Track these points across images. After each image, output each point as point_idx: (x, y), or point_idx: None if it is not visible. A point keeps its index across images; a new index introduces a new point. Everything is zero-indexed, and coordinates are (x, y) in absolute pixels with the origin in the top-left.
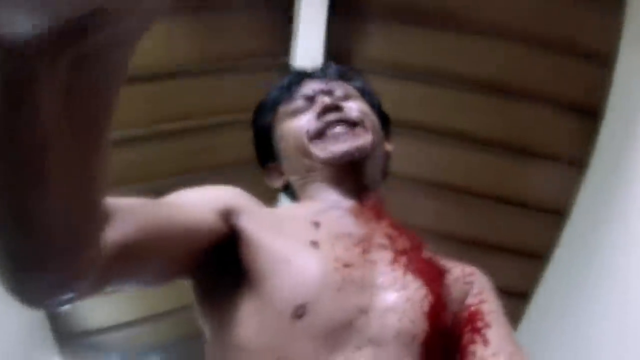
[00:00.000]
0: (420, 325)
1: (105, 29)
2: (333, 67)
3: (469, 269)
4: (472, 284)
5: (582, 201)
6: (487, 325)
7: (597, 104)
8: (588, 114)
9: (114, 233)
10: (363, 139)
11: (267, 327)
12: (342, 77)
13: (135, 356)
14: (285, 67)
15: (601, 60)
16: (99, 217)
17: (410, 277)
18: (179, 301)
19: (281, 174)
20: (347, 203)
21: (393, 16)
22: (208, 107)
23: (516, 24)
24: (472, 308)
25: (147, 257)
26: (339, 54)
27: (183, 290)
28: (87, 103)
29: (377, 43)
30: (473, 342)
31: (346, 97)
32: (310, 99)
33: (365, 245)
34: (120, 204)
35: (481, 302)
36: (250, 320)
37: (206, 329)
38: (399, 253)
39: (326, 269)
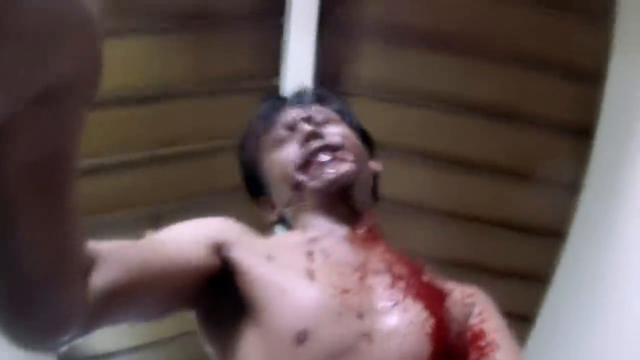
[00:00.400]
0: (423, 348)
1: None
2: (310, 92)
3: (469, 289)
4: (474, 305)
5: (580, 221)
6: (491, 344)
7: (590, 123)
8: (581, 133)
9: (100, 277)
10: (347, 165)
11: (271, 355)
12: (320, 100)
13: None
14: (275, 89)
15: (592, 79)
16: (78, 263)
17: (410, 301)
18: (183, 327)
19: (273, 207)
20: (341, 229)
21: (383, 37)
22: (201, 130)
23: (507, 45)
24: (475, 328)
25: (135, 297)
26: (329, 75)
27: (187, 316)
28: (47, 166)
29: (367, 64)
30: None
31: (326, 122)
32: (291, 127)
33: (362, 271)
34: (104, 248)
35: (483, 321)
36: (253, 347)
37: (213, 355)
38: (397, 277)
39: (324, 295)
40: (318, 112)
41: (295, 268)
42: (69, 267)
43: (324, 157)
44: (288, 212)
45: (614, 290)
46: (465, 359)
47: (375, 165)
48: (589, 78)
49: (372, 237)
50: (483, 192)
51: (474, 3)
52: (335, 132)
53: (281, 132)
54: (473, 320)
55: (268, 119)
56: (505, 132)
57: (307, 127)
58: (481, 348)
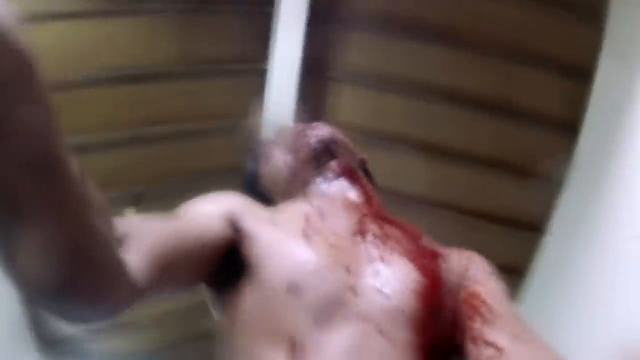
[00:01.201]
0: (409, 303)
1: None
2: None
3: (466, 253)
4: (469, 267)
5: (561, 216)
6: (486, 305)
7: (577, 119)
8: (568, 128)
9: (133, 250)
10: (322, 130)
11: (264, 304)
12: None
13: None
14: (263, 73)
15: (581, 75)
16: (104, 239)
17: (401, 260)
18: (164, 307)
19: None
20: (339, 194)
21: (372, 26)
22: (187, 111)
23: (497, 38)
24: (470, 289)
25: (166, 268)
26: (317, 62)
27: (167, 297)
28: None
29: (355, 52)
30: (473, 322)
31: (313, 125)
32: (283, 136)
33: (356, 231)
34: (133, 224)
35: (477, 283)
36: (250, 298)
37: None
38: (391, 238)
39: (315, 252)
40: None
41: (293, 229)
42: (97, 247)
43: (307, 140)
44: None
45: (593, 287)
46: (460, 319)
47: (358, 152)
48: (578, 74)
49: (369, 202)
50: (467, 183)
51: None
52: (318, 126)
53: (272, 147)
54: (467, 282)
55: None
56: (491, 124)
57: (292, 134)
58: (475, 307)
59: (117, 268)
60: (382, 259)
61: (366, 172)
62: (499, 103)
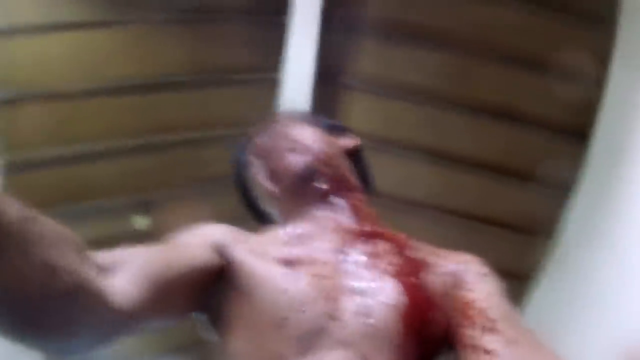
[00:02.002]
0: (392, 326)
1: None
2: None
3: (460, 256)
4: (463, 271)
5: (571, 222)
6: (480, 312)
7: (585, 125)
8: (576, 135)
9: (121, 281)
10: (306, 159)
11: (251, 335)
12: (282, 117)
13: None
14: (276, 82)
15: (592, 82)
16: (59, 273)
17: (385, 280)
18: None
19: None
20: (323, 217)
21: (385, 34)
22: (197, 120)
23: (507, 45)
24: (463, 298)
25: (156, 298)
26: (330, 70)
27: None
28: None
29: (368, 60)
30: (467, 330)
31: (288, 127)
32: (260, 152)
33: (339, 255)
34: (121, 255)
35: (471, 288)
36: (236, 328)
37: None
38: (376, 256)
39: (299, 282)
40: (279, 124)
41: (278, 259)
42: (63, 285)
43: (286, 160)
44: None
45: (603, 292)
46: (456, 328)
47: (345, 142)
48: (587, 81)
49: (358, 217)
50: (477, 190)
51: (475, 3)
52: (294, 133)
53: (251, 157)
54: (462, 291)
55: (243, 154)
56: (501, 131)
57: (267, 144)
58: (469, 316)
59: (89, 298)
60: (365, 282)
61: (358, 161)
62: (508, 110)
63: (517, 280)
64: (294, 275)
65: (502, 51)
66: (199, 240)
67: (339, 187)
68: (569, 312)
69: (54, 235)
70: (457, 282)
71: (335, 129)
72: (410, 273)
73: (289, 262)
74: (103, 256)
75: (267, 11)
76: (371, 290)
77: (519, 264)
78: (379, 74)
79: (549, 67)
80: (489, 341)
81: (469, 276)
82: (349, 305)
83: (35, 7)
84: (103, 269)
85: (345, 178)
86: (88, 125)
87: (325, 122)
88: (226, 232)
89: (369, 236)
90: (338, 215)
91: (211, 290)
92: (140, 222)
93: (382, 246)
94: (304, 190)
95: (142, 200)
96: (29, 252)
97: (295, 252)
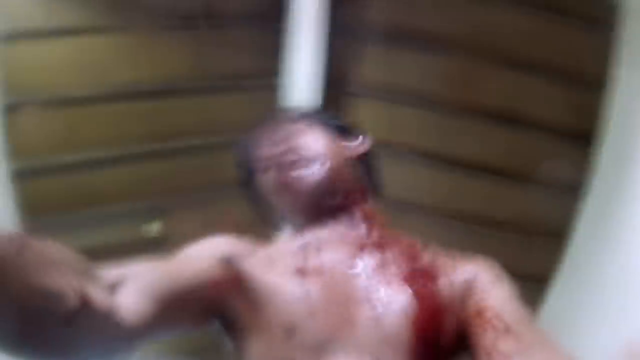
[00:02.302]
0: (405, 332)
1: None
2: (277, 116)
3: (472, 261)
4: (475, 277)
5: (582, 225)
6: (495, 318)
7: (591, 129)
8: (586, 138)
9: (128, 294)
10: (315, 175)
11: (266, 345)
12: (288, 117)
13: None
14: (279, 88)
15: (598, 85)
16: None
17: (397, 287)
18: None
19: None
20: (333, 228)
21: (389, 39)
22: (204, 125)
23: (511, 49)
24: (477, 305)
25: (165, 311)
26: (333, 76)
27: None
28: None
29: (370, 66)
30: (483, 336)
31: (295, 134)
32: (260, 162)
33: (351, 264)
34: (129, 269)
35: (484, 294)
36: (251, 339)
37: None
38: (386, 264)
39: (311, 291)
40: (285, 129)
41: (288, 269)
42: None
43: (292, 177)
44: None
45: (615, 293)
46: (471, 335)
47: (355, 147)
48: (591, 84)
49: (367, 225)
50: (483, 194)
51: (479, 8)
52: (299, 145)
53: (257, 164)
54: (476, 297)
55: (246, 158)
56: (507, 136)
57: (273, 154)
58: (484, 322)
59: (94, 316)
60: (376, 290)
61: (368, 164)
62: (513, 114)
63: (530, 282)
64: (304, 285)
65: (506, 55)
66: (207, 253)
67: (350, 199)
68: (580, 315)
69: (52, 258)
70: (470, 288)
71: (345, 130)
72: (421, 280)
73: (299, 273)
74: (109, 272)
75: (271, 17)
76: (382, 297)
77: (529, 267)
78: (383, 80)
79: (553, 70)
80: (503, 346)
81: (481, 281)
82: (361, 312)
83: (39, 13)
84: (109, 286)
85: (356, 189)
86: (94, 132)
87: (334, 121)
88: (234, 244)
89: (379, 244)
90: (348, 224)
91: (222, 301)
92: (150, 228)
93: (392, 254)
94: (314, 206)
95: (151, 206)
96: (25, 280)
97: (305, 262)
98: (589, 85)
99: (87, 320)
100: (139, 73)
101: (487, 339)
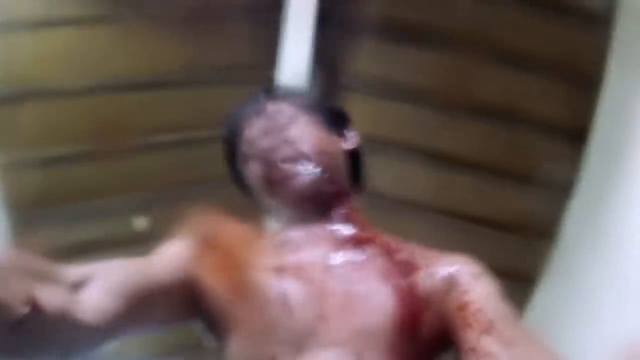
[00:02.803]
0: (382, 326)
1: None
2: (273, 92)
3: (453, 257)
4: (457, 275)
5: (570, 223)
6: (477, 315)
7: (585, 126)
8: (576, 136)
9: (93, 292)
10: (307, 176)
11: (243, 343)
12: (280, 99)
13: None
14: (271, 81)
15: (589, 83)
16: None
17: (374, 282)
18: None
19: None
20: (316, 227)
21: (381, 33)
22: (194, 119)
23: (505, 45)
24: (459, 301)
25: (136, 306)
26: (325, 70)
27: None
28: None
29: (363, 60)
30: (465, 333)
31: (285, 126)
32: (253, 143)
33: (329, 259)
34: (93, 269)
35: (466, 291)
36: (230, 336)
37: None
38: (365, 260)
39: (288, 291)
40: (277, 117)
41: (267, 267)
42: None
43: (286, 172)
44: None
45: (602, 293)
46: (452, 330)
47: (347, 143)
48: (585, 81)
49: (348, 225)
50: (475, 191)
51: (475, 4)
52: (295, 136)
53: (245, 149)
54: (456, 293)
55: (234, 135)
56: (502, 133)
57: (265, 142)
58: (466, 318)
59: (56, 317)
60: (354, 285)
61: (355, 160)
62: (507, 111)
63: (517, 281)
64: (281, 282)
65: (502, 52)
66: (180, 251)
67: (338, 197)
68: (569, 313)
69: (8, 266)
70: (451, 282)
71: (337, 121)
72: (399, 274)
73: (277, 270)
74: (75, 271)
75: (265, 10)
76: (359, 292)
77: (519, 265)
78: (377, 74)
79: (548, 67)
80: (487, 343)
81: (463, 277)
82: (337, 307)
83: (35, 4)
84: (73, 285)
85: (345, 187)
86: (86, 124)
87: (327, 111)
88: (206, 245)
89: (358, 241)
90: (331, 221)
91: (198, 298)
92: (140, 222)
93: (371, 250)
94: (302, 204)
95: (142, 200)
96: None
97: (283, 260)
98: (585, 83)
99: (38, 324)
100: (134, 65)
101: (470, 337)
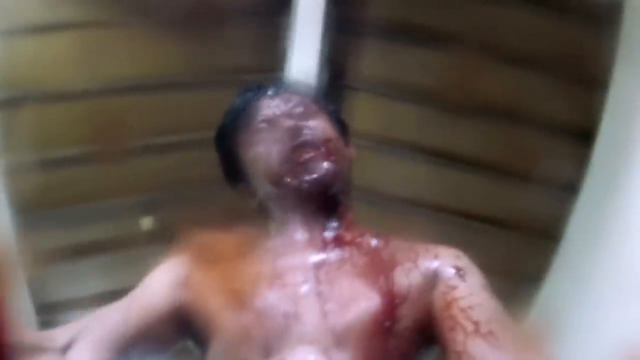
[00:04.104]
0: (355, 323)
1: None
2: (287, 84)
3: (437, 254)
4: (443, 270)
5: (575, 224)
6: (464, 311)
7: (591, 126)
8: (581, 135)
9: (81, 351)
10: (329, 164)
11: (223, 352)
12: (298, 91)
13: None
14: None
15: (595, 83)
16: None
17: (350, 282)
18: None
19: (253, 194)
20: (308, 232)
21: (390, 34)
22: (198, 121)
23: (510, 46)
24: (447, 295)
25: (124, 352)
26: (334, 71)
27: None
28: None
29: (373, 61)
30: (451, 333)
31: (306, 115)
32: (271, 122)
33: (309, 258)
34: (77, 328)
35: (454, 287)
36: (212, 348)
37: None
38: (345, 260)
39: (264, 295)
40: (297, 104)
41: (247, 276)
42: None
43: (306, 156)
44: (268, 204)
45: (608, 295)
46: (438, 327)
47: (350, 152)
48: (591, 80)
49: (335, 228)
50: (481, 191)
51: (479, 4)
52: (316, 126)
53: (262, 126)
54: (441, 286)
55: (247, 112)
56: (507, 133)
57: (288, 123)
58: (453, 318)
59: None
60: (330, 286)
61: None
62: (512, 111)
63: (522, 280)
64: (259, 288)
65: (507, 52)
66: (160, 281)
67: (341, 199)
68: (573, 314)
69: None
70: (435, 280)
71: (343, 126)
72: (377, 274)
73: (257, 277)
74: (62, 334)
75: (270, 11)
76: (334, 292)
77: (525, 264)
78: (383, 75)
79: (553, 67)
80: (472, 345)
81: (447, 273)
82: (311, 306)
83: (38, 7)
84: (62, 348)
85: (348, 191)
86: (90, 126)
87: (335, 111)
88: (188, 263)
89: (340, 242)
90: (325, 219)
91: (186, 321)
92: (143, 223)
93: (352, 250)
94: (310, 195)
95: (146, 201)
96: None
97: (264, 267)
98: (591, 82)
99: None
100: (139, 67)
101: (456, 339)
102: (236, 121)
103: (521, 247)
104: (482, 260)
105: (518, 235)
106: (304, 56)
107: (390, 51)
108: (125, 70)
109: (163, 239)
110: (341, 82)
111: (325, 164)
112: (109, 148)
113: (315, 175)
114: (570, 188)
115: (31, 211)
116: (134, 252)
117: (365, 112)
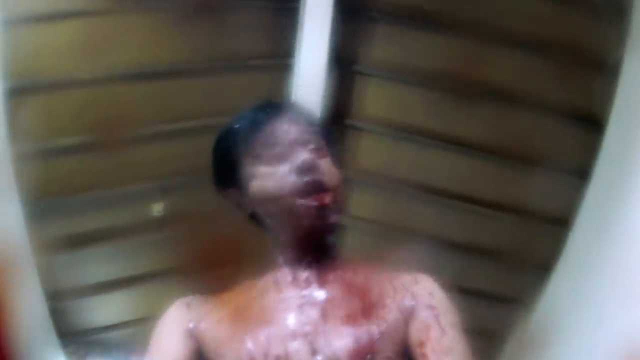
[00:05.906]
0: None
1: None
2: (302, 109)
3: (415, 288)
4: (416, 310)
5: (586, 210)
6: (436, 352)
7: (601, 113)
8: (591, 122)
9: None
10: (335, 216)
11: None
12: (311, 122)
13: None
14: (289, 68)
15: (605, 69)
16: None
17: (333, 322)
18: None
19: (242, 203)
20: (294, 270)
21: (399, 19)
22: (211, 107)
23: (520, 31)
24: (421, 334)
25: None
26: (344, 56)
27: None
28: None
29: (382, 46)
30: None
31: (318, 153)
32: (287, 147)
33: (296, 305)
34: None
35: (425, 327)
36: None
37: None
38: (333, 302)
39: (255, 338)
40: (312, 137)
41: (239, 318)
42: None
43: (321, 200)
44: (264, 218)
45: (620, 282)
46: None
47: (343, 177)
48: (602, 68)
49: (324, 275)
50: (490, 176)
51: None
52: (326, 169)
53: (278, 149)
54: (415, 325)
55: (261, 128)
56: (515, 118)
57: (306, 156)
58: (424, 355)
59: None
60: (316, 329)
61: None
62: (522, 96)
63: (534, 266)
64: (252, 331)
65: (516, 37)
66: (174, 334)
67: (333, 234)
68: (582, 302)
69: None
70: (411, 318)
71: (338, 151)
72: (358, 310)
73: (250, 320)
74: None
75: None
76: (318, 333)
77: (535, 250)
78: (393, 60)
79: (564, 52)
80: None
81: (423, 313)
82: (295, 348)
83: None
84: None
85: (340, 222)
86: (102, 113)
87: (332, 136)
88: (192, 311)
89: (321, 282)
90: (307, 264)
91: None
92: (158, 209)
93: (333, 289)
94: (312, 239)
95: (159, 187)
96: None
97: (256, 307)
98: (601, 68)
99: None
100: (146, 55)
101: None
102: (247, 133)
103: (531, 233)
104: (491, 246)
105: (528, 221)
106: (314, 42)
107: (399, 37)
108: (133, 57)
109: (172, 225)
110: (352, 67)
111: (334, 217)
112: (116, 136)
113: (323, 222)
114: (580, 174)
115: (41, 200)
116: (142, 239)
117: (376, 98)
